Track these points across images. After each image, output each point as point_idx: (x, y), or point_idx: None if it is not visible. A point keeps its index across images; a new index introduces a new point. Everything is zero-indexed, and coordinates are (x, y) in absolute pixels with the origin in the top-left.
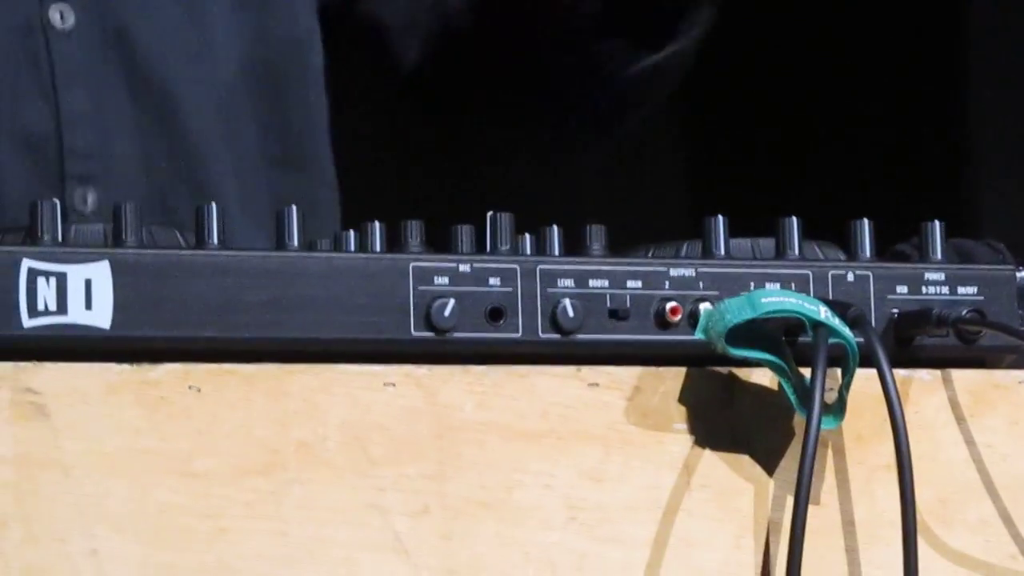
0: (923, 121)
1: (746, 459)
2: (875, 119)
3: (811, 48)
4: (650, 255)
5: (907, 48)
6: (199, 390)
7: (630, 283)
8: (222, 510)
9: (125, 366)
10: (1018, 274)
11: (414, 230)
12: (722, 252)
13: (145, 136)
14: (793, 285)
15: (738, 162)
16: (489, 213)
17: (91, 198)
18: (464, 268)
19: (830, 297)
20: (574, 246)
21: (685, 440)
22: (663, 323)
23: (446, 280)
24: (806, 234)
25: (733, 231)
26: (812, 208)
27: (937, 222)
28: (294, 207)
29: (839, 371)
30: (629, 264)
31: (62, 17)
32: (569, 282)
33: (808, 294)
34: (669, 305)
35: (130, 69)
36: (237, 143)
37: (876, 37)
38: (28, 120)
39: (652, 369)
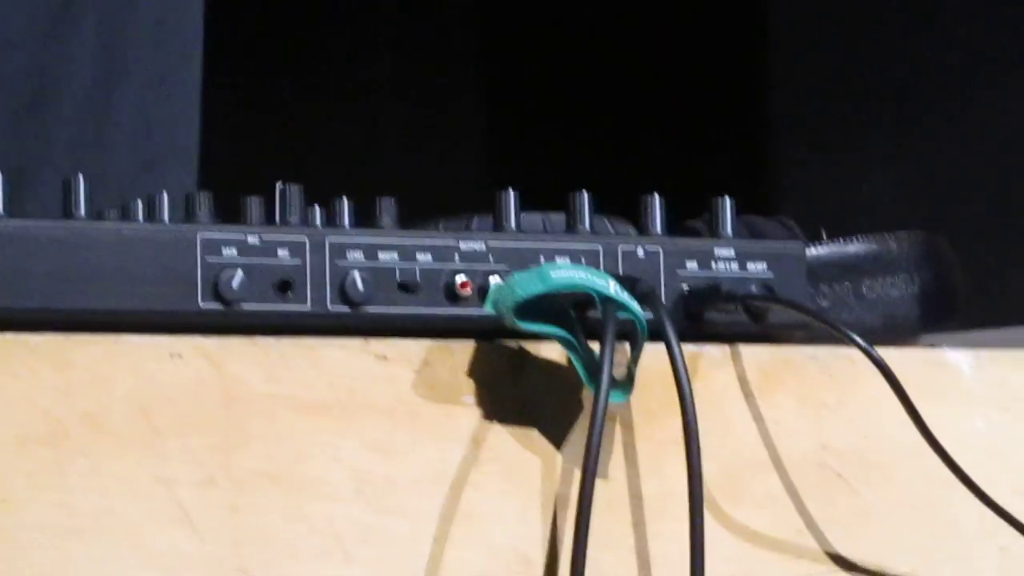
0: (720, 95)
1: (535, 433)
2: (671, 92)
3: (605, 18)
4: (440, 228)
5: (705, 17)
6: None
7: (420, 256)
8: (4, 480)
9: None
10: (808, 251)
11: (202, 200)
12: (513, 226)
13: None
14: (583, 259)
15: (532, 136)
16: (278, 184)
17: None
18: (252, 239)
19: (620, 272)
20: (365, 218)
21: (474, 413)
22: (453, 297)
23: (234, 251)
24: (598, 209)
25: (526, 205)
26: (605, 182)
27: (728, 198)
28: (80, 176)
29: (628, 346)
30: (419, 237)
31: None
32: (359, 255)
33: (598, 269)
34: (459, 279)
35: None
36: None
37: (673, 4)
38: None
39: (442, 342)
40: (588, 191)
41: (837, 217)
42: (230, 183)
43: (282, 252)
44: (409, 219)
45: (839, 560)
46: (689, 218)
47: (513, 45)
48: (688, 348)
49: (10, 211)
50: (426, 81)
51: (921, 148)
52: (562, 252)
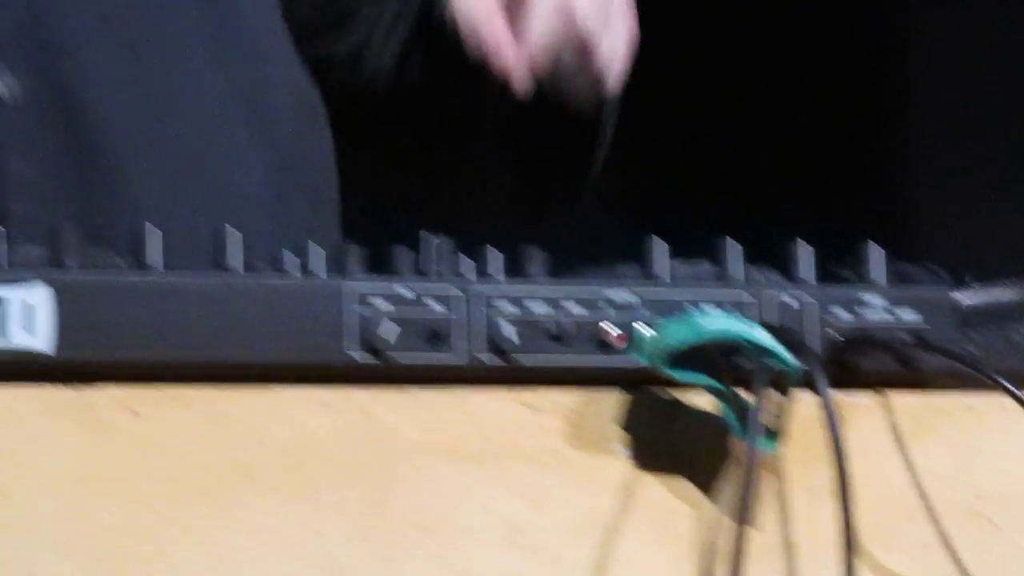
0: (865, 144)
1: (685, 482)
2: (817, 141)
3: (752, 67)
4: (590, 278)
5: (849, 68)
6: (138, 413)
7: (570, 306)
8: (162, 533)
9: (66, 389)
10: (957, 297)
11: (354, 253)
12: (662, 275)
13: (89, 203)
14: (733, 308)
15: (679, 186)
16: (430, 236)
17: None
18: (404, 291)
19: (770, 320)
20: (514, 269)
21: (624, 463)
22: (603, 346)
23: (386, 303)
24: (747, 257)
25: (674, 254)
26: (753, 231)
27: (877, 245)
28: (232, 227)
29: (779, 394)
30: (568, 287)
31: (7, 86)
32: (509, 305)
33: (749, 317)
34: (610, 328)
35: (77, 137)
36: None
37: (819, 53)
38: None
39: (592, 392)
40: (736, 239)
41: (983, 262)
42: (377, 234)
43: (433, 303)
44: (558, 270)
45: None
46: (837, 265)
47: (655, 95)
48: (839, 396)
49: (168, 264)
50: None
51: None
52: (711, 301)
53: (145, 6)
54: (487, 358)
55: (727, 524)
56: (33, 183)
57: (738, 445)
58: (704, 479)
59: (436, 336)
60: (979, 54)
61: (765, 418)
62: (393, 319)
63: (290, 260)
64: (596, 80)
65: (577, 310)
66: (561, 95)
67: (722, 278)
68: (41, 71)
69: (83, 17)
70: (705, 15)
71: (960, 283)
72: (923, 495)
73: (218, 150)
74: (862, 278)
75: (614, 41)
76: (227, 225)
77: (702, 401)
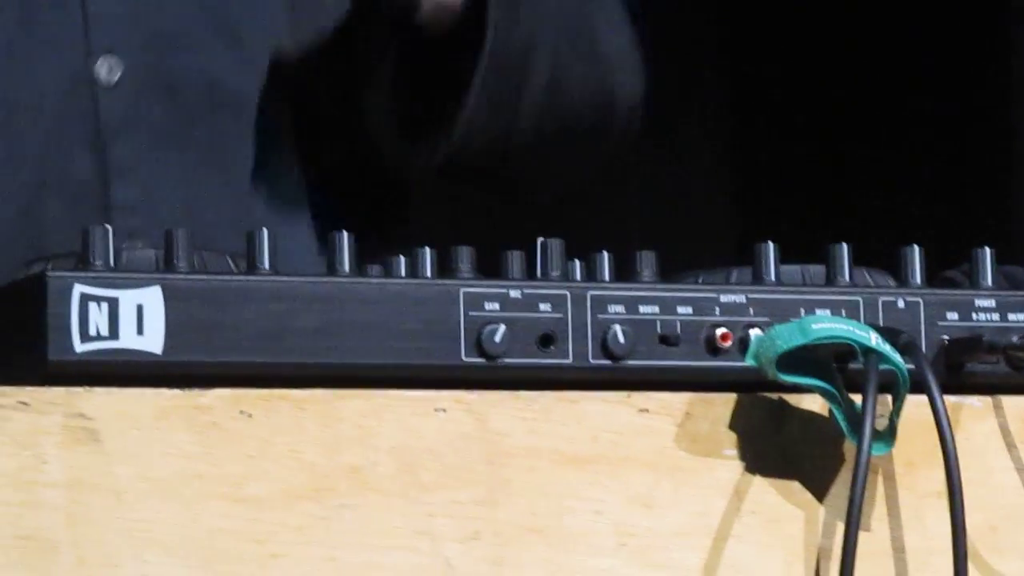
0: (973, 148)
1: (796, 485)
2: (926, 144)
3: (862, 75)
4: (700, 281)
5: (957, 77)
6: (250, 415)
7: (680, 309)
8: (273, 535)
9: (176, 391)
10: None
11: (464, 255)
12: (772, 278)
13: (191, 186)
14: (844, 311)
15: (788, 189)
16: (539, 239)
17: None
18: (514, 294)
19: (880, 323)
20: (624, 272)
21: (735, 466)
22: (713, 349)
23: (496, 306)
24: (856, 260)
25: (783, 257)
26: (862, 234)
27: (987, 248)
28: (344, 232)
29: (890, 397)
30: (679, 290)
31: (110, 70)
32: (619, 308)
33: (858, 320)
34: (719, 331)
35: (178, 119)
36: (283, 183)
37: (927, 66)
38: (75, 173)
39: (702, 395)
40: (846, 243)
41: None
42: (487, 238)
43: (544, 306)
44: (667, 272)
45: None
46: (947, 268)
47: (765, 100)
48: (949, 399)
49: (275, 267)
50: (676, 136)
51: None
52: (822, 304)
53: None
54: (598, 361)
55: (838, 527)
56: (136, 167)
57: (849, 448)
58: (814, 482)
59: (547, 339)
60: None
61: (876, 421)
62: (505, 322)
63: (399, 263)
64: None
65: (688, 313)
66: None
67: (833, 282)
68: (142, 53)
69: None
70: (826, 27)
71: None
72: None
73: None
74: (973, 282)
75: None
76: (339, 231)
77: (813, 404)
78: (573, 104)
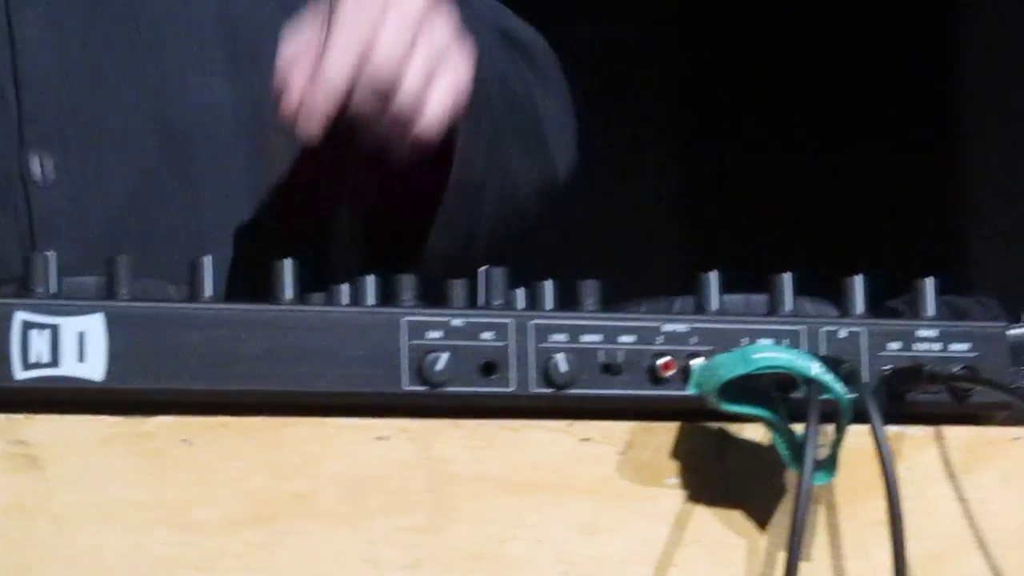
0: (916, 181)
1: (738, 514)
2: (870, 176)
3: (808, 107)
4: (643, 310)
5: (904, 109)
6: (191, 443)
7: (623, 338)
8: (215, 562)
9: (118, 418)
10: (1009, 331)
11: (407, 284)
12: (715, 307)
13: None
14: (786, 341)
15: (732, 218)
16: (482, 268)
17: None
18: (457, 322)
19: (823, 353)
20: (567, 300)
21: (678, 495)
22: (656, 378)
23: (439, 334)
24: (799, 290)
25: (726, 287)
26: (805, 265)
27: (929, 279)
28: (288, 259)
29: (832, 427)
30: (622, 319)
31: (42, 166)
32: (562, 336)
33: (801, 350)
34: (662, 360)
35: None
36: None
37: (867, 98)
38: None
39: (644, 424)
40: (790, 272)
41: None
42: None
43: (486, 335)
44: (610, 301)
45: None
46: (889, 298)
47: (709, 130)
48: (891, 429)
49: (218, 294)
50: (622, 164)
51: None
52: (765, 333)
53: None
54: (540, 390)
55: (780, 556)
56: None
57: (791, 477)
58: (756, 511)
59: (489, 367)
60: None
61: (818, 451)
62: (447, 350)
63: (343, 291)
64: (399, 124)
65: (630, 341)
66: (362, 138)
67: (775, 311)
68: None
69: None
70: (759, 53)
71: (1012, 317)
72: (975, 527)
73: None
74: (915, 312)
75: (437, 88)
76: (282, 259)
77: (755, 433)
78: (524, 199)
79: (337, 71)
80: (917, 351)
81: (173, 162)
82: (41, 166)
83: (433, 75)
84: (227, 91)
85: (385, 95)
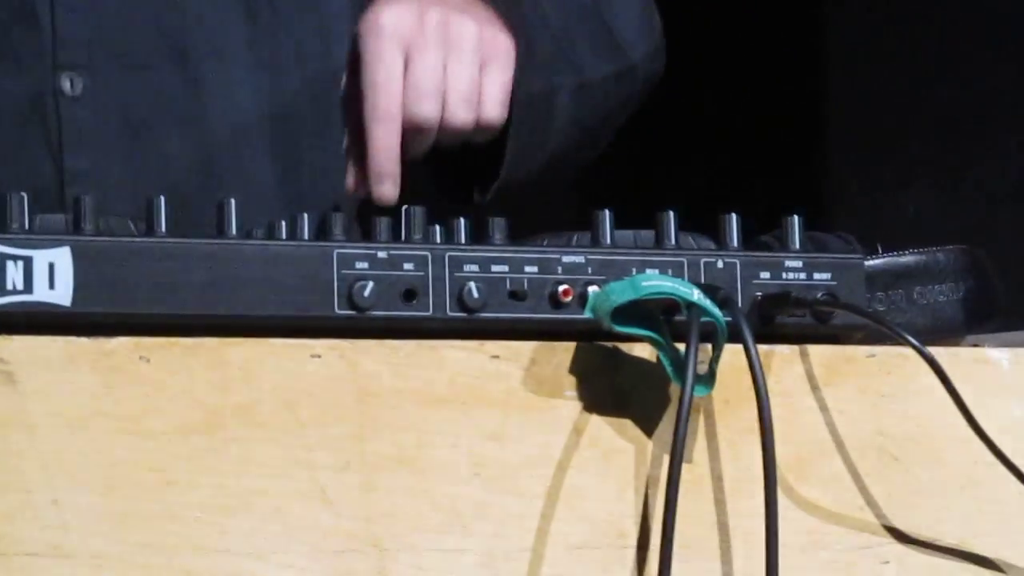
0: (787, 130)
1: (628, 422)
2: (745, 127)
3: (693, 61)
4: (545, 244)
5: (770, 61)
6: (148, 360)
7: (527, 268)
8: (168, 465)
9: (83, 339)
10: (865, 262)
11: (338, 220)
12: (608, 241)
13: (139, 196)
14: (670, 270)
15: (623, 166)
16: (404, 206)
17: None
18: (382, 254)
19: (702, 281)
20: (479, 236)
21: (575, 406)
22: (556, 303)
23: (366, 265)
24: (681, 226)
25: (617, 224)
26: (688, 203)
27: (796, 216)
28: (232, 200)
29: (710, 346)
30: (527, 252)
31: (72, 85)
32: (474, 267)
33: (683, 278)
34: (561, 287)
35: (127, 135)
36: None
37: (742, 48)
38: (33, 178)
39: (546, 344)
40: (673, 211)
41: (889, 233)
42: (362, 205)
43: (408, 265)
44: (516, 236)
45: (895, 532)
46: (761, 234)
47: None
48: (762, 348)
49: (171, 231)
50: None
51: (963, 172)
52: (651, 264)
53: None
54: (455, 314)
55: (664, 459)
56: (91, 174)
57: (674, 390)
58: (644, 420)
59: (410, 294)
60: (890, 47)
61: (698, 366)
62: (373, 279)
63: (282, 228)
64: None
65: (534, 271)
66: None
67: (661, 245)
68: (101, 73)
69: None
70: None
71: (870, 251)
72: (835, 434)
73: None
74: (783, 246)
75: (491, 83)
76: (229, 199)
77: (643, 352)
78: (600, 102)
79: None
80: (785, 280)
81: (186, 84)
82: (71, 85)
83: (479, 68)
84: (240, 30)
85: (438, 123)
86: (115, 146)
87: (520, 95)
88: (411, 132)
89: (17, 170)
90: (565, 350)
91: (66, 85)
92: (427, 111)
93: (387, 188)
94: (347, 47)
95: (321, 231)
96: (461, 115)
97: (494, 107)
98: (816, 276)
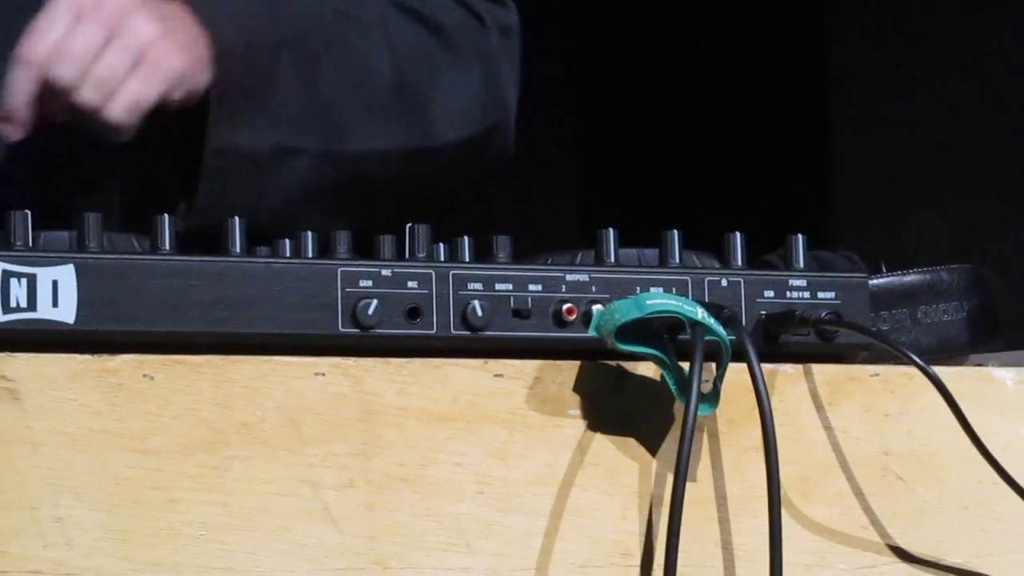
0: (793, 149)
1: (632, 441)
2: (750, 145)
3: (696, 84)
4: (549, 262)
5: (776, 80)
6: (152, 377)
7: (531, 286)
8: (172, 483)
9: (87, 356)
10: (870, 281)
11: (342, 239)
12: (612, 260)
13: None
14: (674, 289)
15: (628, 184)
16: (408, 224)
17: None
18: (386, 272)
19: (706, 300)
20: (483, 254)
21: (579, 424)
22: (560, 322)
23: (370, 283)
24: (686, 245)
25: (622, 242)
26: (691, 223)
27: (800, 235)
28: (237, 219)
29: (714, 364)
30: (531, 270)
31: None
32: (478, 285)
33: (687, 297)
34: (566, 306)
35: None
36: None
37: (749, 67)
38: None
39: (550, 362)
40: (678, 230)
41: (893, 252)
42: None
43: (412, 283)
44: (521, 254)
45: (899, 552)
46: (765, 253)
47: (611, 110)
48: (766, 366)
49: (174, 247)
50: (528, 140)
51: (966, 193)
52: (656, 283)
53: None
54: (459, 332)
55: (668, 477)
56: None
57: (679, 409)
58: (648, 438)
59: (414, 312)
60: (898, 61)
61: (702, 385)
62: (377, 297)
63: (285, 244)
64: (85, 113)
65: (538, 290)
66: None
67: (665, 263)
68: None
69: None
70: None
71: (874, 270)
72: (839, 452)
73: None
74: (787, 264)
75: (131, 79)
76: (235, 218)
77: (647, 370)
78: (372, 172)
79: (13, 84)
80: (789, 298)
81: None
82: None
83: (129, 67)
84: None
85: (69, 90)
86: None
87: (219, 143)
88: (46, 89)
89: None
90: (569, 368)
91: None
92: (61, 73)
93: (7, 127)
94: None
95: (325, 249)
96: (87, 95)
97: (119, 109)
98: (820, 295)
